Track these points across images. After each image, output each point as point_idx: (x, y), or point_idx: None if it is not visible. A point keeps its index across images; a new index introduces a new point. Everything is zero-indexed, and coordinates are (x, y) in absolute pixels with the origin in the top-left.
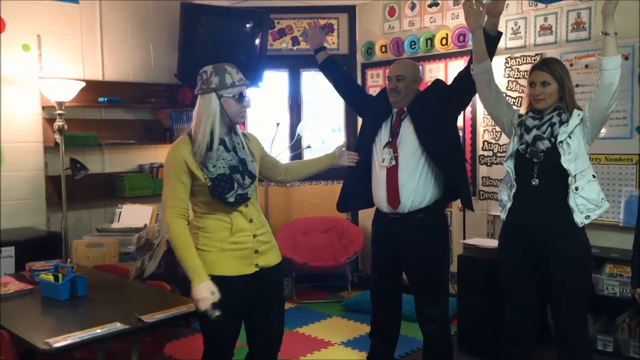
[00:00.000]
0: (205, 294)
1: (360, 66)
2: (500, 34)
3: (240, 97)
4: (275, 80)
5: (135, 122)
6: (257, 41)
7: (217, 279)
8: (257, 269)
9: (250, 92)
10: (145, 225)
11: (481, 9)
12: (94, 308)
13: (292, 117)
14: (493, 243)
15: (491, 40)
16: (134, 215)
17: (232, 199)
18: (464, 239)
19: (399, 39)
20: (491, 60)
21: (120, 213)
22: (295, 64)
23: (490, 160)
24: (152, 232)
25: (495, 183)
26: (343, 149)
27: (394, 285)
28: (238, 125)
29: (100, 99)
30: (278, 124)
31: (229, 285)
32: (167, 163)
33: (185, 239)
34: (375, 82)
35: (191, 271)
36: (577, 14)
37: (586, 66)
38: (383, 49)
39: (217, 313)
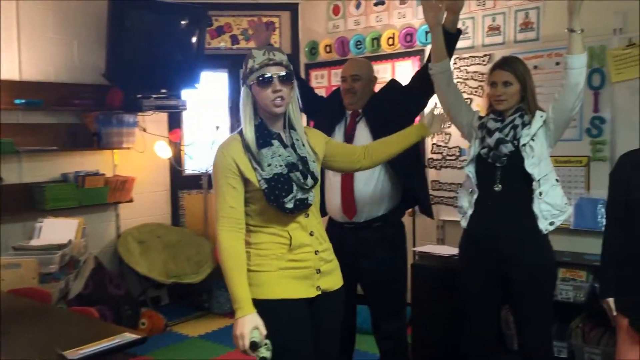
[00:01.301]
0: (245, 329)
1: (303, 67)
2: (460, 31)
3: (263, 81)
4: (214, 81)
5: (57, 127)
6: (194, 39)
7: (272, 304)
8: (319, 292)
9: (188, 94)
10: (70, 241)
11: (440, 5)
12: (6, 343)
13: (232, 120)
14: (447, 250)
15: (451, 38)
16: (56, 230)
17: (290, 205)
18: (414, 246)
19: (344, 38)
20: (450, 59)
21: (40, 228)
22: (235, 63)
23: (440, 163)
24: (78, 249)
25: (444, 187)
26: (435, 112)
27: (349, 300)
28: (299, 118)
29: (17, 101)
30: (217, 128)
31: (287, 309)
32: (215, 166)
33: (236, 259)
34: (319, 83)
35: (235, 300)
36: (525, 13)
37: (535, 67)
38: (327, 49)
39: (265, 354)
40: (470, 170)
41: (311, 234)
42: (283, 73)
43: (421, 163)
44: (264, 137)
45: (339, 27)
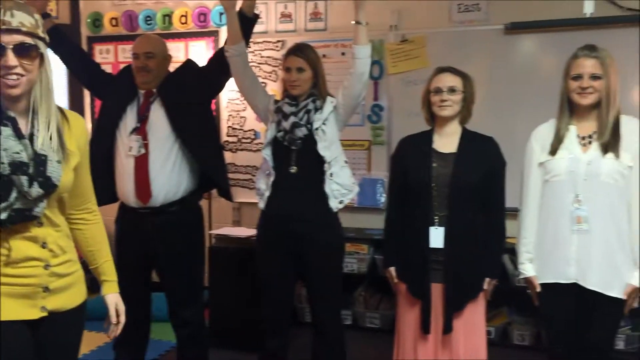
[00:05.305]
0: None
1: (86, 39)
2: (257, 16)
3: None
4: None
5: None
6: None
7: None
8: (45, 314)
9: None
10: None
11: None
12: None
13: None
14: (244, 232)
15: (247, 22)
16: None
17: (3, 215)
18: (211, 229)
19: (132, 12)
20: (247, 43)
21: None
22: None
23: (236, 146)
24: None
25: (240, 170)
26: None
27: (143, 289)
28: (50, 103)
29: None
30: None
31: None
32: None
33: None
34: (105, 59)
35: None
36: (314, 4)
37: (324, 56)
38: (113, 22)
39: None
40: (267, 153)
41: (43, 246)
42: (23, 42)
43: (219, 145)
44: None
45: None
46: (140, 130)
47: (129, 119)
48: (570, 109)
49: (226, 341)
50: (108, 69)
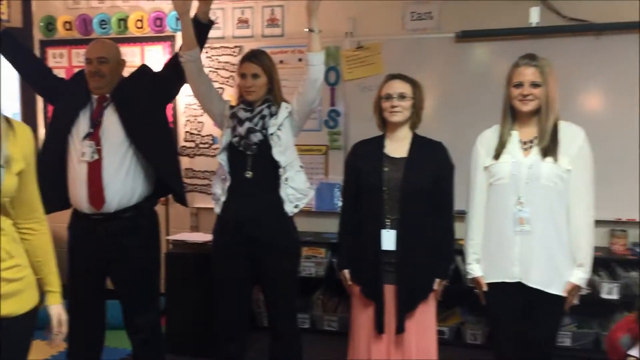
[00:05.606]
0: None
1: (39, 43)
2: (212, 22)
3: None
4: None
5: None
6: None
7: None
8: None
9: None
10: None
11: None
12: None
13: None
14: (201, 237)
15: (202, 28)
16: None
17: None
18: (168, 234)
19: (87, 16)
20: (201, 48)
21: None
22: None
23: (194, 151)
24: None
25: (198, 175)
26: None
27: (97, 296)
28: None
29: None
30: None
31: None
32: None
33: None
34: (58, 63)
35: None
36: (271, 10)
37: (281, 61)
38: (67, 26)
39: None
40: (222, 158)
41: None
42: None
43: (174, 151)
44: None
45: (81, 3)
46: (94, 135)
47: (82, 124)
48: (512, 115)
49: (183, 347)
50: (61, 73)
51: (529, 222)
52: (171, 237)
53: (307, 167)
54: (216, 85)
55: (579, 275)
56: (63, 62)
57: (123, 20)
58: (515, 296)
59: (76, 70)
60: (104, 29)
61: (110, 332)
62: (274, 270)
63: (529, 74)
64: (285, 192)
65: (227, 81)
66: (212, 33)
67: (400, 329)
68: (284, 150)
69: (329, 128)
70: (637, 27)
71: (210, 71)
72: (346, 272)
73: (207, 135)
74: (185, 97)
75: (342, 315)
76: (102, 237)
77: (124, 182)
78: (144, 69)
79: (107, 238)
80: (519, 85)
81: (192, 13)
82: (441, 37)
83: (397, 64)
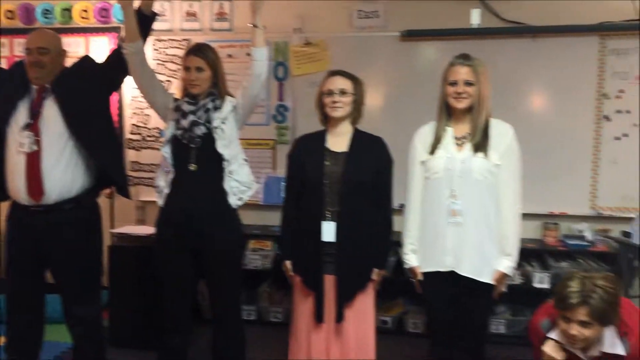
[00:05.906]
0: None
1: None
2: (155, 14)
3: None
4: None
5: None
6: None
7: None
8: None
9: None
10: None
11: None
12: None
13: None
14: (145, 230)
15: (145, 20)
16: None
17: None
18: (113, 227)
19: (29, 5)
20: (145, 41)
21: None
22: None
23: (140, 144)
24: None
25: (144, 168)
26: None
27: (36, 289)
28: None
29: None
30: None
31: None
32: None
33: None
34: None
35: None
36: (220, 4)
37: (229, 56)
38: (9, 15)
39: None
40: (166, 151)
41: None
42: None
43: (117, 142)
44: None
45: None
46: (33, 126)
47: (21, 115)
48: (448, 112)
49: (126, 340)
50: (3, 63)
51: (461, 214)
52: (115, 230)
53: (255, 161)
54: (163, 78)
55: (507, 264)
56: (4, 52)
57: (67, 10)
58: (449, 285)
59: (18, 60)
60: (47, 18)
61: (51, 326)
62: (216, 262)
63: (463, 72)
64: (229, 184)
65: (175, 74)
66: (160, 25)
67: (339, 318)
68: (228, 143)
69: (277, 122)
70: (572, 30)
71: (157, 64)
72: (288, 263)
73: (154, 128)
74: (131, 90)
75: (287, 306)
76: (40, 229)
77: (63, 173)
78: (86, 60)
79: (46, 230)
80: (454, 83)
81: (137, 4)
82: (387, 36)
83: (344, 60)
